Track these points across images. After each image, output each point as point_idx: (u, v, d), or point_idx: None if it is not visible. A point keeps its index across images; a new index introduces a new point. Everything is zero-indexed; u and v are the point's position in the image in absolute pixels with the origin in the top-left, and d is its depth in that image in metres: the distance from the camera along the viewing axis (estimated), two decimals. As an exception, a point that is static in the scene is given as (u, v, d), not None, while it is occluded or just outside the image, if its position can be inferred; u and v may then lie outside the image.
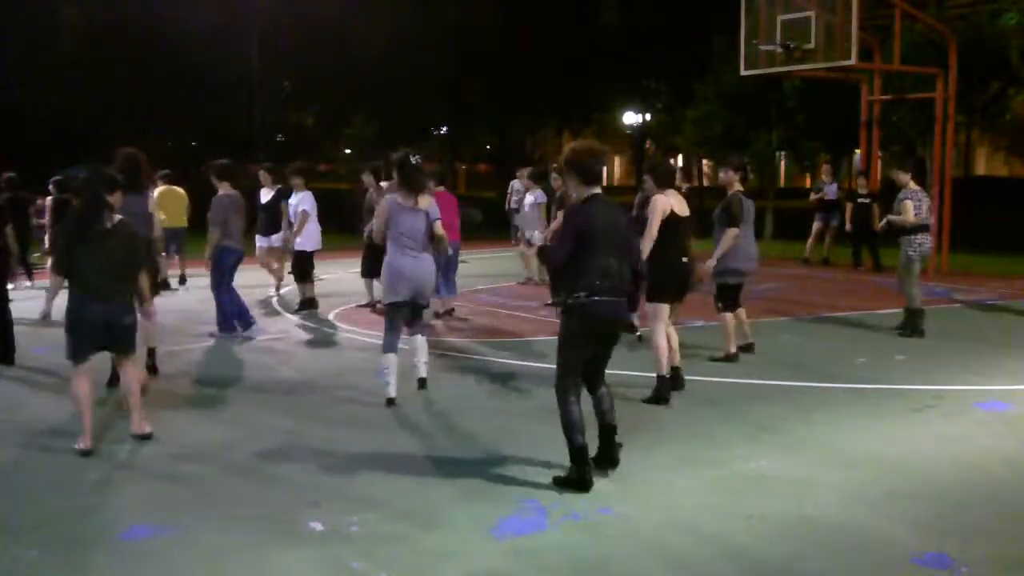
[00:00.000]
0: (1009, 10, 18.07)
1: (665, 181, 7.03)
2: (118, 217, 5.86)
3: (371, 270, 11.40)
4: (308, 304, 11.10)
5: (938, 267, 13.83)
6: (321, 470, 5.46)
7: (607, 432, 5.32)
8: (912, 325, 9.34)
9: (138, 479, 5.33)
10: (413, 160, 6.95)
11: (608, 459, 5.32)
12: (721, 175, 8.26)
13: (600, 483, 5.12)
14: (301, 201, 10.97)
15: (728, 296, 8.10)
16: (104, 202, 5.79)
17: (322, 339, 9.56)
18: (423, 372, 7.17)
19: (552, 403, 6.80)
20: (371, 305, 11.38)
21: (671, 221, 6.78)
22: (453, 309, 10.86)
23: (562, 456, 5.56)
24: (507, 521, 4.59)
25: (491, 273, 14.58)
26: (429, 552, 4.27)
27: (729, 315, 8.13)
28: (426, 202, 6.90)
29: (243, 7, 22.80)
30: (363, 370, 8.04)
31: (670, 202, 6.85)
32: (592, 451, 5.19)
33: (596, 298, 5.02)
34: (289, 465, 5.56)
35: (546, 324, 10.19)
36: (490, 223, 21.45)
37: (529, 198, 13.02)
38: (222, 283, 9.30)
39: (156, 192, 10.78)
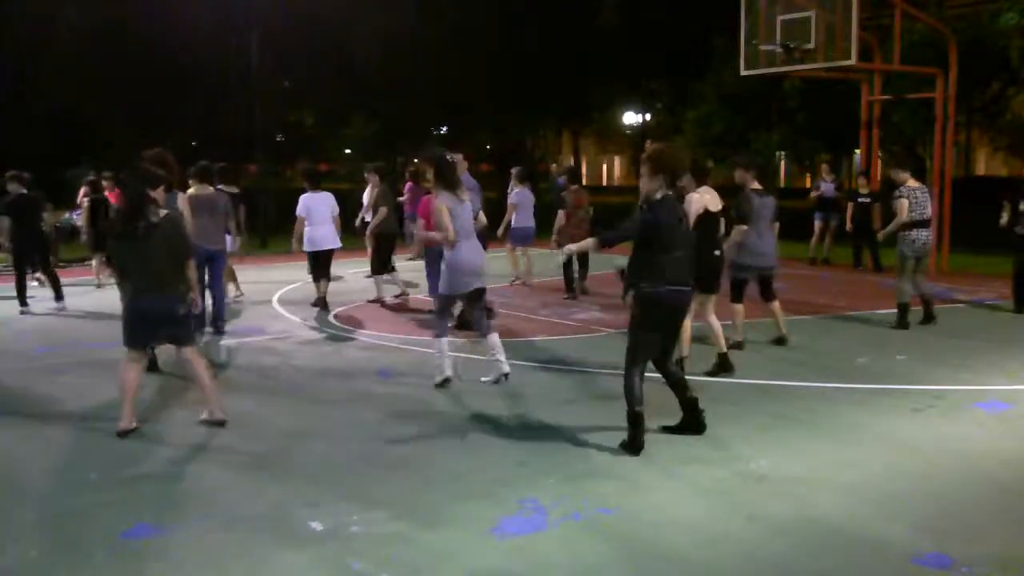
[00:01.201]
0: (1009, 10, 18.07)
1: (701, 178, 7.36)
2: (163, 212, 6.08)
3: (380, 268, 11.59)
4: (320, 303, 11.23)
5: (938, 267, 13.83)
6: (321, 470, 5.47)
7: (692, 403, 5.93)
8: (899, 318, 9.68)
9: (138, 478, 5.33)
10: (449, 158, 7.45)
11: (696, 426, 5.93)
12: (736, 175, 8.57)
13: (600, 483, 5.14)
14: (324, 202, 11.02)
15: (734, 288, 8.48)
16: (146, 199, 5.98)
17: (323, 339, 9.56)
18: (506, 367, 7.21)
19: (550, 403, 6.85)
20: (379, 301, 11.66)
21: (705, 218, 7.25)
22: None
23: (562, 456, 5.58)
24: (507, 521, 4.60)
25: (492, 273, 14.57)
26: (429, 552, 4.28)
27: (737, 306, 8.51)
28: (465, 194, 7.33)
29: (243, 8, 22.75)
30: (364, 370, 8.04)
31: (704, 200, 7.28)
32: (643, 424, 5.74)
33: (661, 289, 5.63)
34: (289, 465, 5.57)
35: (546, 325, 10.21)
36: (491, 223, 21.46)
37: (511, 198, 13.06)
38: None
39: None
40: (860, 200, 14.96)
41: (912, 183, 9.52)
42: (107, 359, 8.67)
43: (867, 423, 6.29)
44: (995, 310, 11.15)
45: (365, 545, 4.35)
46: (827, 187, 16.15)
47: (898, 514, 4.67)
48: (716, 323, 7.66)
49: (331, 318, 10.67)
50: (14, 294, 11.27)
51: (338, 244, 11.18)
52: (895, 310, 9.74)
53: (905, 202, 9.36)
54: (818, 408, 6.65)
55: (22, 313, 11.00)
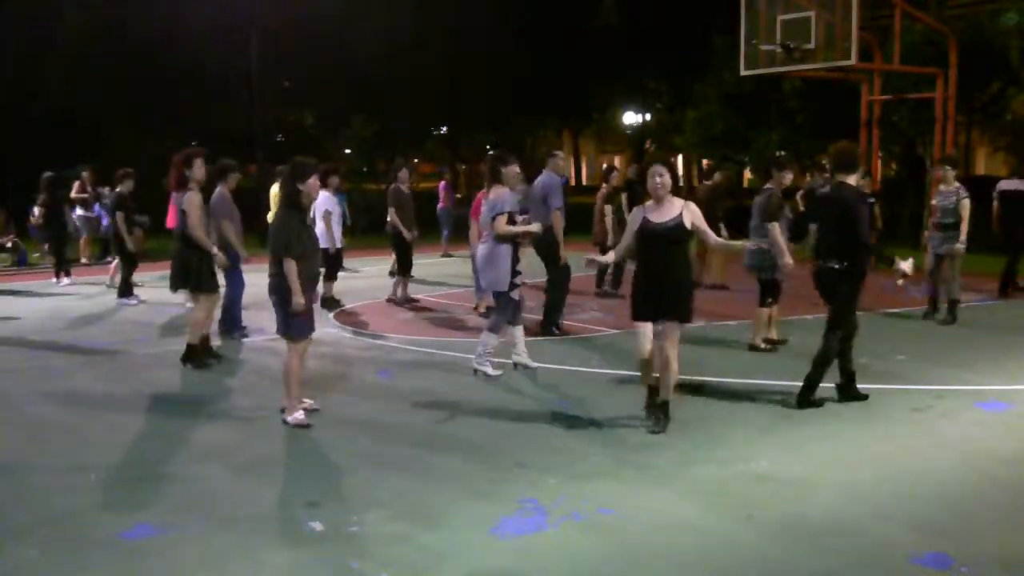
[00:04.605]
0: (1009, 10, 18.07)
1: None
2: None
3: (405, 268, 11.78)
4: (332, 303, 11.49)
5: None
6: (321, 470, 5.47)
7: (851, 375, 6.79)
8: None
9: (139, 479, 5.34)
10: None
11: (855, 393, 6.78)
12: (787, 176, 8.87)
13: (600, 483, 5.14)
14: (323, 202, 11.02)
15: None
16: (296, 192, 6.23)
17: (322, 339, 9.55)
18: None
19: (551, 403, 6.85)
20: (394, 301, 11.76)
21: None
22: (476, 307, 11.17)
23: (562, 456, 5.58)
24: (507, 521, 4.60)
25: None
26: (429, 552, 4.28)
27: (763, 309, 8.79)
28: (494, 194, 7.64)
29: (243, 7, 22.73)
30: (364, 370, 8.04)
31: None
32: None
33: (820, 263, 6.56)
34: (289, 465, 5.57)
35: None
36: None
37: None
38: None
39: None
40: (875, 197, 14.97)
41: (942, 186, 9.92)
42: (108, 360, 8.68)
43: (867, 423, 6.29)
44: (995, 310, 11.15)
45: (365, 545, 4.35)
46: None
47: (898, 514, 4.67)
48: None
49: (331, 318, 10.66)
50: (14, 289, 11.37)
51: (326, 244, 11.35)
52: (895, 309, 9.81)
53: (933, 203, 10.01)
54: (818, 408, 6.64)
55: None
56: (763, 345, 8.61)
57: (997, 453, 5.63)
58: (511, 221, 7.45)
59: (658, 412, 6.13)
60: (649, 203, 6.09)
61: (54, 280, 14.22)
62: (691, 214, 5.97)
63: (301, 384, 6.50)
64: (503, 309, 7.63)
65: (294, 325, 6.34)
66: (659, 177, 5.93)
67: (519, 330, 7.82)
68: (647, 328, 6.02)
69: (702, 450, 5.70)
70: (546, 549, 4.30)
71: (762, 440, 5.90)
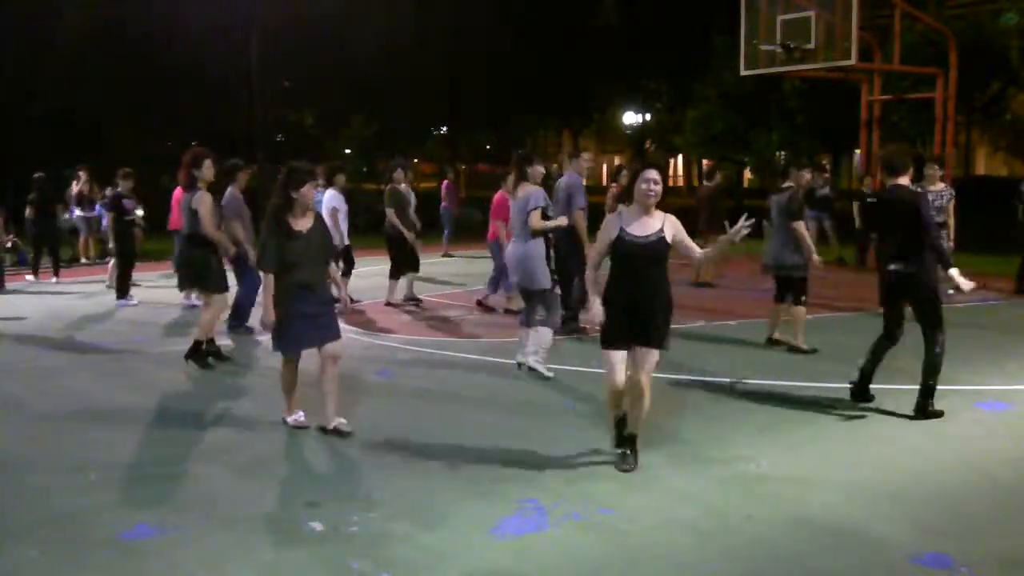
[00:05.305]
0: (1009, 10, 18.09)
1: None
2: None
3: (409, 268, 11.66)
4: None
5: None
6: (321, 470, 5.47)
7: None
8: None
9: (138, 479, 5.33)
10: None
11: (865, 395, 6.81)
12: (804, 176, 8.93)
13: (600, 483, 5.14)
14: (329, 200, 11.03)
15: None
16: (291, 199, 5.95)
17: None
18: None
19: (551, 403, 6.85)
20: (394, 304, 11.63)
21: None
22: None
23: (562, 456, 5.58)
24: (507, 521, 4.60)
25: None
26: (429, 552, 4.28)
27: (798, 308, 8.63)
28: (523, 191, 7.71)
29: (243, 7, 22.74)
30: (364, 370, 8.04)
31: None
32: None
33: (886, 265, 6.57)
34: (289, 465, 5.57)
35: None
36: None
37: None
38: None
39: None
40: (868, 200, 14.97)
41: (926, 183, 9.97)
42: (107, 360, 8.68)
43: (867, 423, 6.29)
44: (995, 310, 11.14)
45: (365, 545, 4.35)
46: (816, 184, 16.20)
47: (898, 514, 4.67)
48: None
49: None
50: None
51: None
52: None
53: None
54: (818, 408, 6.65)
55: None
56: (804, 347, 8.50)
57: (997, 453, 5.64)
58: (544, 217, 7.62)
59: (627, 447, 5.41)
60: (625, 210, 5.32)
61: (53, 279, 14.24)
62: (672, 226, 5.23)
63: (337, 391, 6.21)
64: (553, 305, 7.72)
65: (274, 339, 6.12)
66: (654, 184, 5.14)
67: (530, 332, 7.82)
68: (621, 355, 5.25)
69: (702, 450, 5.70)
70: (546, 549, 4.30)
71: (762, 440, 5.90)
